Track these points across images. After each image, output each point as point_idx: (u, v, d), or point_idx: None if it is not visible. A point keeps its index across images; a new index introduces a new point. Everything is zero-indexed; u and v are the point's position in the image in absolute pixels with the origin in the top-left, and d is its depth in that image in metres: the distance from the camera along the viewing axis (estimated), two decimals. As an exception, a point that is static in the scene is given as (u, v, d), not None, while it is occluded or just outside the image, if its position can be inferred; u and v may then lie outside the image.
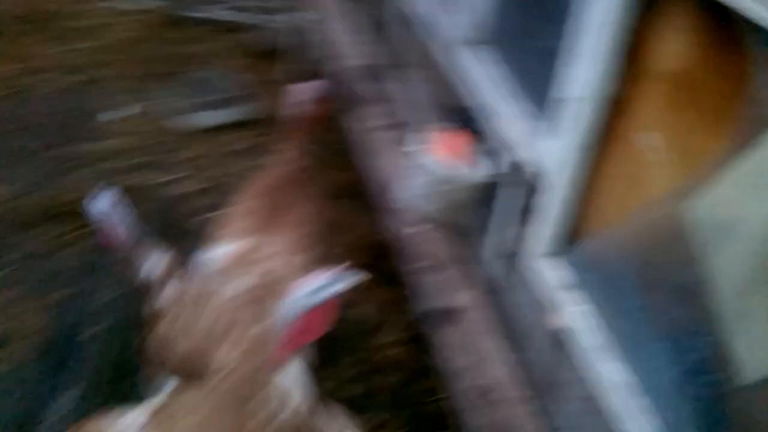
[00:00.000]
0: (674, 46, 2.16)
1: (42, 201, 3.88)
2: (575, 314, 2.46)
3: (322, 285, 1.90)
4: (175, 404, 2.11)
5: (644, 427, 2.12)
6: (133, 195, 3.99)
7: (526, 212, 2.89)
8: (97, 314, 3.29)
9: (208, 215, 3.87)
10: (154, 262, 2.50)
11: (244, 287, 2.64)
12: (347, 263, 1.95)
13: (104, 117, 4.74)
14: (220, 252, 2.86)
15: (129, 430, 2.06)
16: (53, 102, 4.81)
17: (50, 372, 2.96)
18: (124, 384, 2.98)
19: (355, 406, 3.07)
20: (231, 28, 6.07)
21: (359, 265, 3.73)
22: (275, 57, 5.70)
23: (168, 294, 2.50)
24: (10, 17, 5.58)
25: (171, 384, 2.55)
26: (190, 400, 2.10)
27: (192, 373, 2.43)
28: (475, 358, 2.77)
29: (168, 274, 2.52)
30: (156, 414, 2.08)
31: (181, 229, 3.93)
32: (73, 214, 3.80)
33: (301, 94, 3.00)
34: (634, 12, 2.28)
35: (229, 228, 2.95)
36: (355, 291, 3.61)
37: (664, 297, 2.14)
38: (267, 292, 2.58)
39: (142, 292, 2.56)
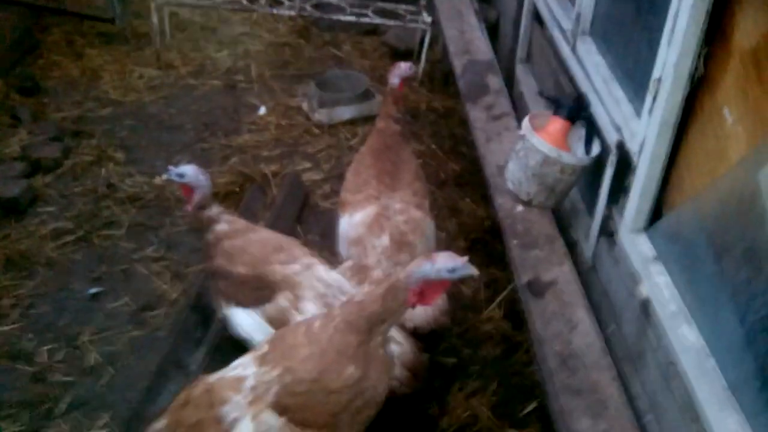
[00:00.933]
0: (754, 24, 2.25)
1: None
2: (658, 284, 2.58)
3: (448, 268, 2.20)
4: (292, 334, 2.43)
5: (714, 386, 2.22)
6: (274, 180, 4.51)
7: (621, 191, 3.02)
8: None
9: (335, 198, 4.27)
10: (214, 211, 3.04)
11: (382, 245, 3.21)
12: (468, 256, 2.22)
13: (254, 113, 5.29)
14: (355, 220, 3.36)
15: (244, 370, 2.42)
16: (209, 100, 5.41)
17: (189, 332, 3.39)
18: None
19: (449, 375, 3.34)
20: (372, 30, 6.50)
21: (469, 245, 4.02)
22: (412, 56, 6.06)
23: (221, 229, 3.02)
24: (189, 23, 6.35)
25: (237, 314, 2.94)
26: (306, 329, 2.40)
27: (252, 295, 2.91)
28: (565, 326, 2.93)
29: (220, 218, 3.04)
30: (273, 344, 2.42)
31: (314, 209, 4.36)
32: (227, 195, 4.34)
33: (398, 71, 3.46)
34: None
35: (356, 198, 3.42)
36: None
37: (734, 261, 2.23)
38: (400, 245, 3.22)
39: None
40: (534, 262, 3.26)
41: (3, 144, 4.61)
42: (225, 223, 3.04)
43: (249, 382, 2.34)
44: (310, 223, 4.27)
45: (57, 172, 4.48)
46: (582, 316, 2.98)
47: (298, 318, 2.81)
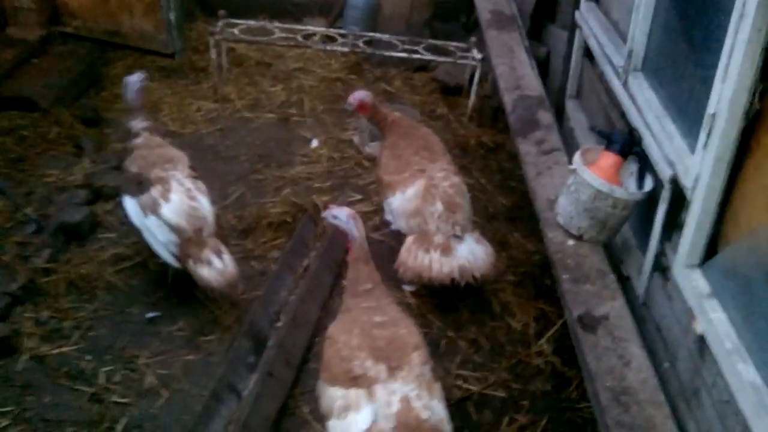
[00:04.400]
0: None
1: (256, 213, 4.54)
2: (713, 321, 2.56)
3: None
4: (380, 339, 2.80)
5: (772, 425, 2.19)
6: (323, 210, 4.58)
7: (675, 226, 3.01)
8: (280, 312, 3.80)
9: (384, 230, 4.36)
10: (138, 125, 4.04)
11: (438, 212, 3.79)
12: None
13: (306, 146, 5.41)
14: (408, 195, 3.87)
15: (392, 394, 2.63)
16: (263, 133, 5.56)
17: (242, 357, 3.46)
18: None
19: (498, 409, 3.33)
20: (422, 66, 6.61)
21: (519, 279, 4.03)
22: (461, 92, 6.14)
23: (137, 142, 3.99)
24: (246, 58, 6.56)
25: None
26: (369, 328, 2.84)
27: (134, 188, 3.79)
28: (618, 362, 2.91)
29: (141, 133, 4.01)
30: (382, 358, 2.71)
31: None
32: (280, 225, 4.45)
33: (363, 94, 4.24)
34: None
35: (402, 177, 3.94)
36: (517, 303, 3.90)
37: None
38: (452, 207, 3.81)
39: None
40: (585, 297, 3.25)
41: (67, 172, 4.80)
42: (142, 138, 4.00)
43: (407, 389, 2.63)
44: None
45: (117, 200, 4.62)
46: (635, 351, 2.96)
47: (165, 207, 3.63)
